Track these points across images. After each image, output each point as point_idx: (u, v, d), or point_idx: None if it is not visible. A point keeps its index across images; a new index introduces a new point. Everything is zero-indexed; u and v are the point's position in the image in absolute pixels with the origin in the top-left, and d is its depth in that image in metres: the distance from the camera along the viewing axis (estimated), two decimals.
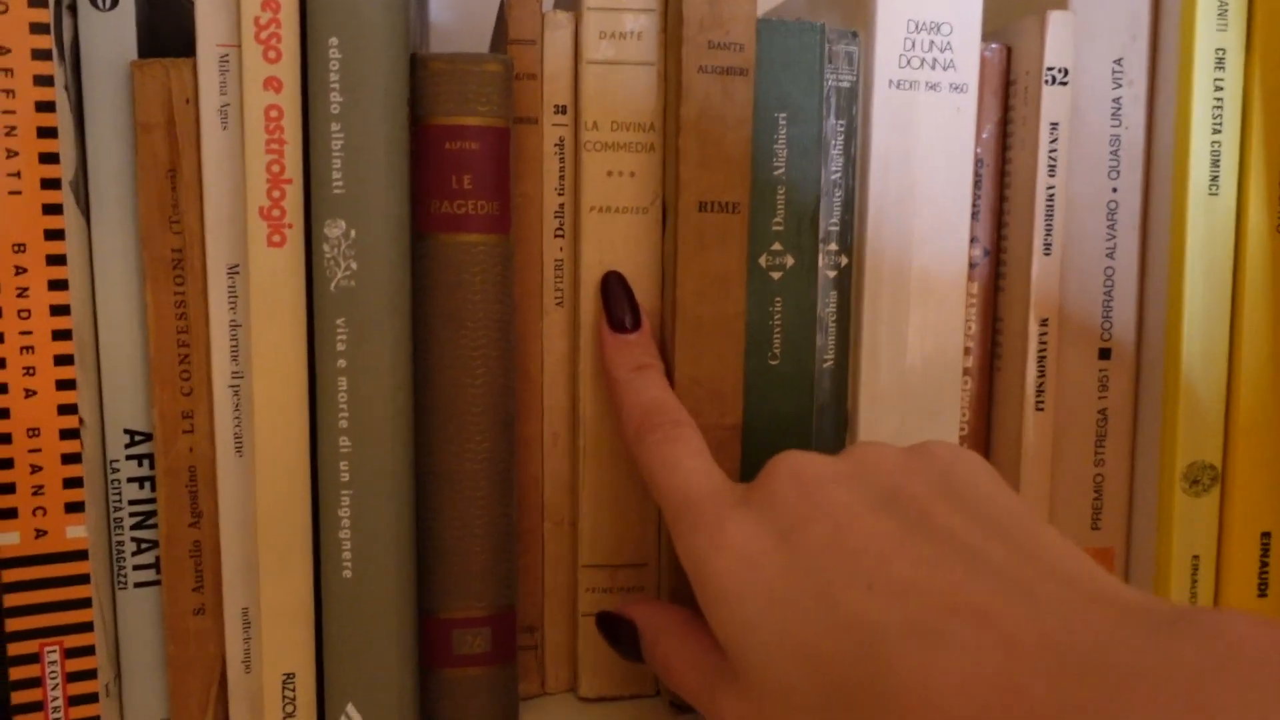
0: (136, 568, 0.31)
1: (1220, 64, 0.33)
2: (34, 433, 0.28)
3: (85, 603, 0.29)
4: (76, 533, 0.29)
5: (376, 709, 0.29)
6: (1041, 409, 0.35)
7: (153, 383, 0.30)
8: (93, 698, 0.30)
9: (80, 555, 0.29)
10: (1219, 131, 0.34)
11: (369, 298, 0.28)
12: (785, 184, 0.32)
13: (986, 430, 0.37)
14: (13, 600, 0.28)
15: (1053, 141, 0.34)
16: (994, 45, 0.35)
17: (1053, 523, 0.36)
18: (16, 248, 0.28)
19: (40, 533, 0.28)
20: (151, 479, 0.31)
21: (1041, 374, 0.35)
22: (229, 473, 0.30)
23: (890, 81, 0.33)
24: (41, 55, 0.27)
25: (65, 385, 0.28)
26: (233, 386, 0.30)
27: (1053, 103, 0.34)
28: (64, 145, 0.28)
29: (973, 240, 0.35)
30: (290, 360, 0.29)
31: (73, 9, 0.29)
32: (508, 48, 0.31)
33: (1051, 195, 0.34)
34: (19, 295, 0.28)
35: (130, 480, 0.31)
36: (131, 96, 0.29)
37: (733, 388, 0.31)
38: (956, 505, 0.22)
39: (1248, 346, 0.34)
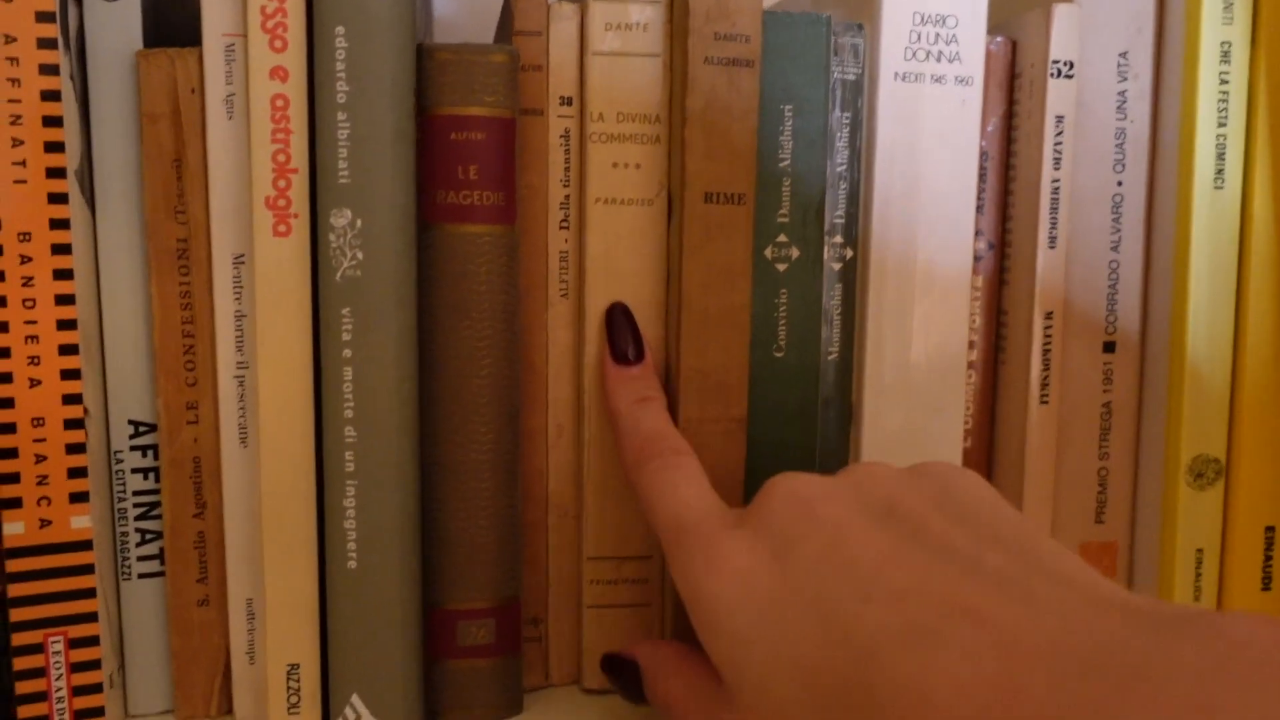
0: (141, 558, 0.31)
1: (1225, 57, 0.33)
2: (39, 422, 0.28)
3: (90, 593, 0.29)
4: (81, 523, 0.29)
5: (381, 700, 0.29)
6: (1046, 402, 0.35)
7: (157, 373, 0.30)
8: (97, 688, 0.30)
9: (85, 545, 0.29)
10: (1224, 125, 0.34)
11: (374, 288, 0.28)
12: (791, 176, 0.32)
13: (990, 424, 0.37)
14: (17, 590, 0.28)
15: (1058, 135, 0.34)
16: (999, 38, 0.35)
17: (1057, 516, 0.36)
18: (22, 237, 0.28)
19: (45, 523, 0.28)
20: (156, 469, 0.31)
21: (1046, 367, 0.35)
22: (234, 463, 0.30)
23: (895, 74, 0.33)
24: (47, 44, 0.27)
25: (70, 375, 0.28)
26: (238, 377, 0.30)
27: (1058, 96, 0.34)
28: (69, 134, 0.28)
29: (977, 233, 0.35)
30: (295, 350, 0.29)
31: None
32: (513, 39, 0.31)
33: (1056, 188, 0.34)
34: (24, 284, 0.28)
35: (135, 471, 0.31)
36: (137, 86, 0.29)
37: (738, 379, 0.31)
38: (954, 518, 0.22)
39: (1252, 340, 0.34)
